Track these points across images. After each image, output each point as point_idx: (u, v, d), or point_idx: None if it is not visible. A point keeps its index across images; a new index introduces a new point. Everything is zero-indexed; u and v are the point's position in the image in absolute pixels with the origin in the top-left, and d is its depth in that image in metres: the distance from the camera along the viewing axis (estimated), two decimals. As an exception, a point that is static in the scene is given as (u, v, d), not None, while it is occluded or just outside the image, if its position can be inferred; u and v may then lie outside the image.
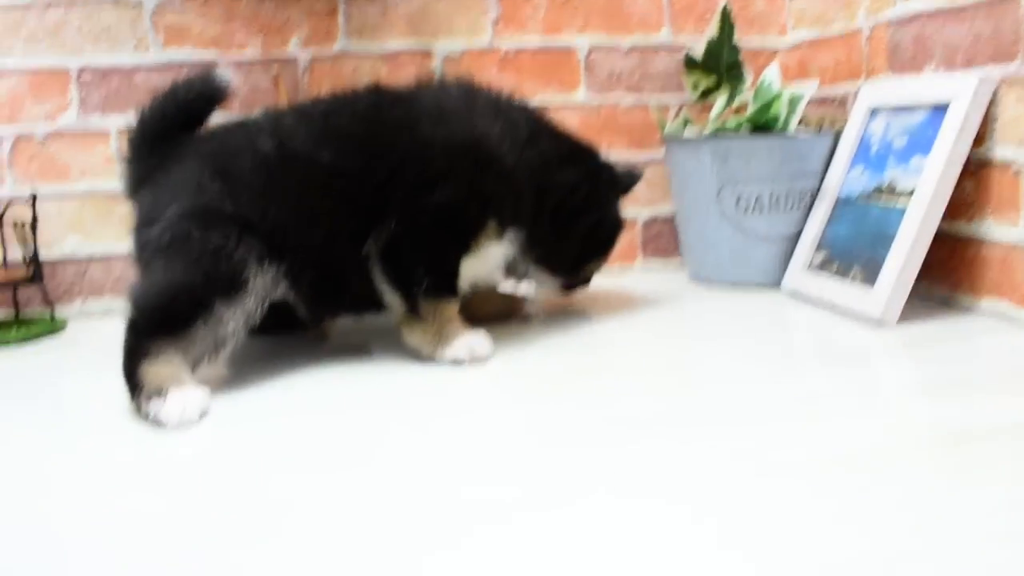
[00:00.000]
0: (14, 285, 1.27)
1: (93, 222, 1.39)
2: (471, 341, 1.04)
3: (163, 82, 1.34)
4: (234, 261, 0.95)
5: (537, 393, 0.93)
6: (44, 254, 1.36)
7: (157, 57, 1.38)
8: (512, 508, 0.64)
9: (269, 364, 1.06)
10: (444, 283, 1.05)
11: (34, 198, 1.30)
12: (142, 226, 1.00)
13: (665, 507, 0.64)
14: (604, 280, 1.53)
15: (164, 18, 1.38)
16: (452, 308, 1.05)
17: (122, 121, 1.37)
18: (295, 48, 1.42)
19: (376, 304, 1.06)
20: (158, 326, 0.91)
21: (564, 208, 1.17)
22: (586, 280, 1.28)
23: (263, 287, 0.97)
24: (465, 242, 1.06)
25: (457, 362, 1.03)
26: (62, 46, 1.35)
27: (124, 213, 1.37)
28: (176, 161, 1.03)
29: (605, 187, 1.23)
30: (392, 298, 1.04)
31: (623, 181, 1.26)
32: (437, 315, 1.03)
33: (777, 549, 0.57)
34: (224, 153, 1.03)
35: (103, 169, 1.38)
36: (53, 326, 1.28)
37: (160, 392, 0.86)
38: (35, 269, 1.28)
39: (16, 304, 1.32)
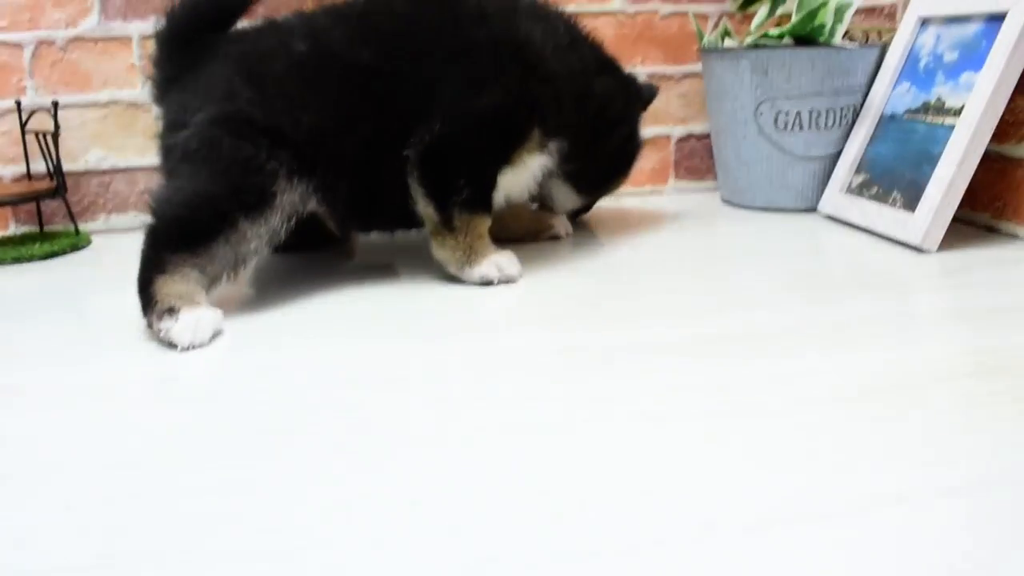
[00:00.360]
0: (37, 198, 1.26)
1: (116, 133, 1.36)
2: (500, 260, 1.01)
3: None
4: (263, 174, 0.92)
5: (564, 317, 0.90)
6: (67, 166, 1.34)
7: (178, -39, 1.33)
8: (535, 430, 0.63)
9: (291, 282, 1.05)
10: (481, 195, 1.00)
11: (55, 106, 1.27)
12: (169, 131, 0.97)
13: (690, 430, 0.62)
14: (635, 200, 1.49)
15: (184, -81, 1.33)
16: (485, 224, 1.01)
17: (144, 27, 1.34)
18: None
19: (410, 219, 1.02)
20: (178, 238, 0.88)
21: (603, 118, 1.13)
22: (592, 204, 1.27)
23: (291, 203, 0.94)
24: (508, 151, 1.01)
25: (485, 281, 1.00)
26: (81, -52, 1.31)
27: (148, 124, 1.36)
28: (206, 63, 0.98)
29: (633, 99, 1.20)
30: (426, 209, 0.99)
31: (645, 94, 1.23)
32: (470, 230, 1.00)
33: (805, 475, 0.55)
34: (256, 56, 0.99)
35: (126, 78, 1.35)
36: (77, 240, 1.27)
37: (172, 311, 0.84)
38: (59, 181, 1.27)
39: (40, 217, 1.31)
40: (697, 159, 1.55)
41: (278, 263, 1.13)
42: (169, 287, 0.86)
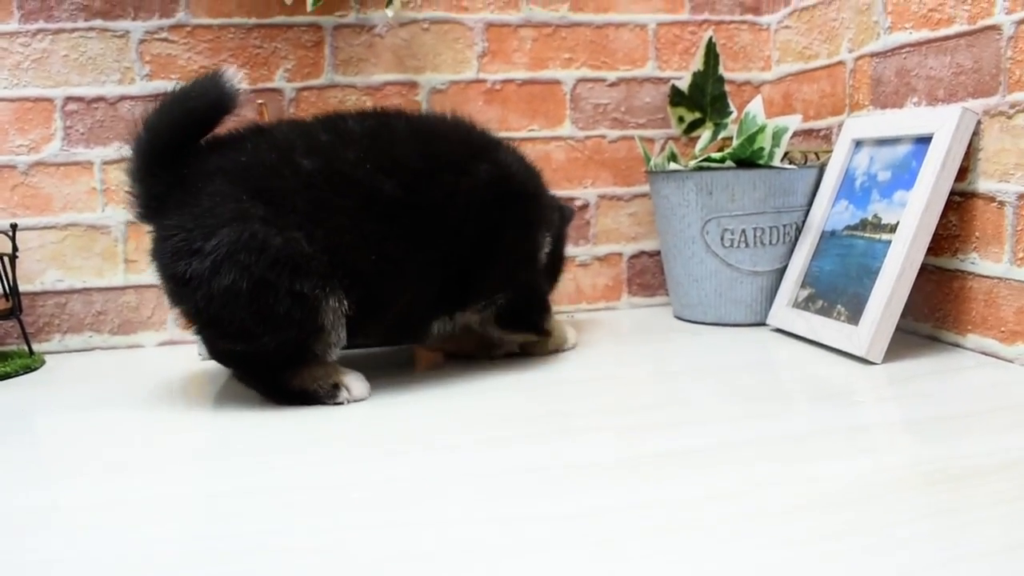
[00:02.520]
0: (-8, 317, 1.26)
1: (74, 255, 1.37)
2: (571, 329, 1.29)
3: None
4: (308, 309, 0.96)
5: (514, 433, 0.91)
6: (23, 287, 1.34)
7: (143, 88, 1.38)
8: (477, 551, 0.63)
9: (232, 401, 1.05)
10: (549, 303, 1.23)
11: (14, 228, 1.28)
12: (178, 256, 0.95)
13: (634, 550, 0.62)
14: (589, 316, 1.52)
15: (151, 48, 1.38)
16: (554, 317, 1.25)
17: (106, 153, 1.37)
18: (281, 80, 1.42)
19: (419, 333, 1.15)
20: (279, 365, 1.00)
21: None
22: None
23: (334, 310, 0.99)
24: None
25: (574, 346, 1.28)
26: (47, 76, 1.35)
27: (106, 246, 1.37)
28: (200, 180, 0.97)
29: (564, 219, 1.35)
30: (524, 336, 1.22)
31: (567, 214, 1.36)
32: (555, 325, 1.25)
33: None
34: (260, 171, 0.98)
35: (86, 202, 1.37)
36: (31, 362, 1.26)
37: (336, 386, 1.01)
38: (14, 302, 1.27)
39: (-6, 336, 1.31)
40: (649, 275, 1.59)
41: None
42: (308, 379, 1.00)
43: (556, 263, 1.28)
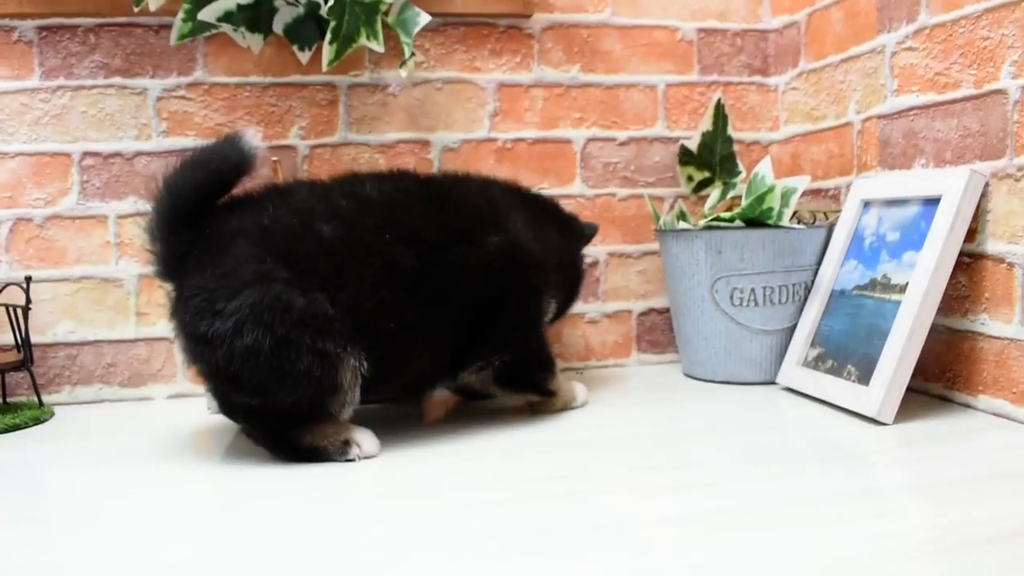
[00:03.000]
0: (3, 370, 1.26)
1: (86, 308, 1.38)
2: (580, 387, 1.28)
3: (164, 169, 1.38)
4: (328, 367, 0.97)
5: (522, 493, 0.90)
6: (35, 338, 1.35)
7: (159, 144, 1.40)
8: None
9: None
10: (553, 363, 1.22)
11: (28, 281, 1.30)
12: (199, 316, 0.96)
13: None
14: (598, 373, 1.52)
15: (168, 105, 1.40)
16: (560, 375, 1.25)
17: (121, 207, 1.39)
18: (295, 137, 1.44)
19: (423, 394, 1.23)
20: (291, 421, 1.00)
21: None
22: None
23: (352, 369, 1.00)
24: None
25: (584, 404, 1.27)
26: (66, 131, 1.37)
27: (118, 299, 1.38)
28: (222, 241, 0.99)
29: (577, 237, 1.37)
30: (526, 397, 1.24)
31: (587, 231, 1.39)
32: (561, 384, 1.24)
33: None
34: (281, 234, 1.00)
35: (100, 255, 1.39)
36: (40, 413, 1.26)
37: (347, 443, 1.01)
38: (26, 354, 1.28)
39: (3, 389, 1.31)
40: (658, 333, 1.59)
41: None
42: (319, 436, 1.01)
43: (575, 282, 1.32)
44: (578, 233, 1.33)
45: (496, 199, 1.19)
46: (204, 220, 1.01)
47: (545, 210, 1.28)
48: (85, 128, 1.38)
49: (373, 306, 1.01)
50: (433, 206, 1.10)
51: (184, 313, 0.99)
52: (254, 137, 1.03)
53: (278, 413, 0.98)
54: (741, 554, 0.71)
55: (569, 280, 1.30)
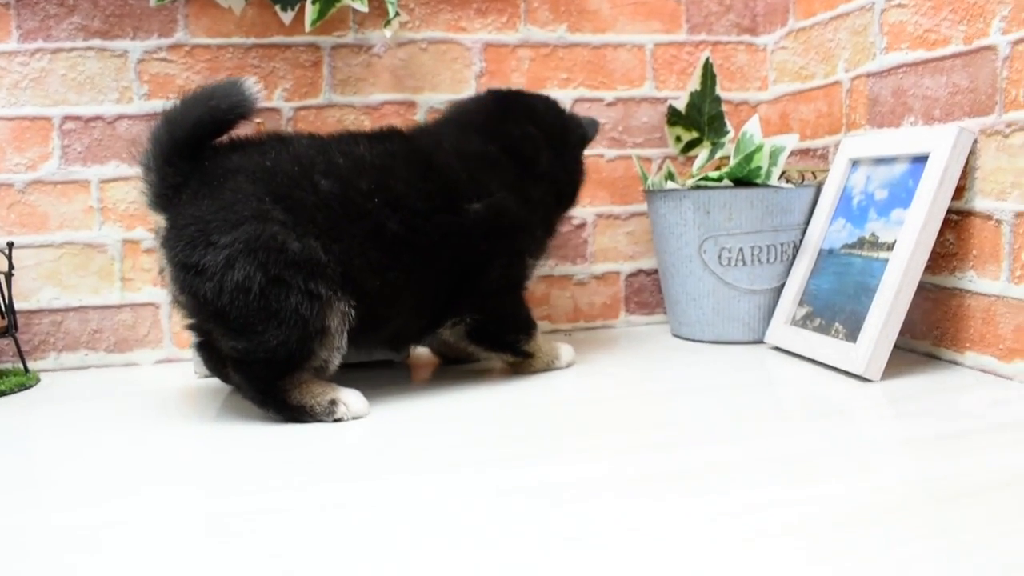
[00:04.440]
0: (-13, 335, 1.25)
1: (70, 273, 1.37)
2: (565, 348, 1.27)
3: (146, 131, 1.36)
4: (316, 311, 0.98)
5: (513, 449, 0.91)
6: (19, 305, 1.34)
7: (141, 107, 1.38)
8: (484, 571, 0.62)
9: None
10: (531, 325, 1.22)
11: (10, 247, 1.28)
12: (190, 245, 0.97)
13: (637, 568, 0.62)
14: (587, 335, 1.52)
15: (149, 67, 1.38)
16: (540, 337, 1.24)
17: (103, 171, 1.37)
18: (279, 99, 1.42)
19: (402, 349, 1.25)
20: (278, 370, 1.00)
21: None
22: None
23: (341, 314, 1.01)
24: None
25: (570, 364, 1.26)
26: (45, 95, 1.35)
27: (102, 264, 1.37)
28: (221, 175, 1.00)
29: (576, 141, 1.36)
30: (501, 357, 1.23)
31: (589, 132, 1.36)
32: (540, 346, 1.23)
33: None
34: (280, 178, 1.01)
35: (82, 220, 1.37)
36: (26, 379, 1.26)
37: (334, 402, 1.01)
38: (10, 320, 1.27)
39: (-11, 355, 1.30)
40: (647, 294, 1.59)
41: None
42: (306, 394, 1.00)
43: (575, 183, 1.32)
44: (578, 139, 1.31)
45: (479, 157, 1.17)
46: (201, 155, 1.02)
47: (535, 144, 1.24)
48: (65, 91, 1.36)
49: (361, 263, 1.02)
50: (416, 172, 1.10)
51: (177, 242, 0.98)
52: (255, 84, 1.04)
53: (265, 357, 0.98)
54: (728, 507, 0.72)
55: (568, 195, 1.32)
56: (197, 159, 1.02)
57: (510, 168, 1.19)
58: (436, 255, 1.09)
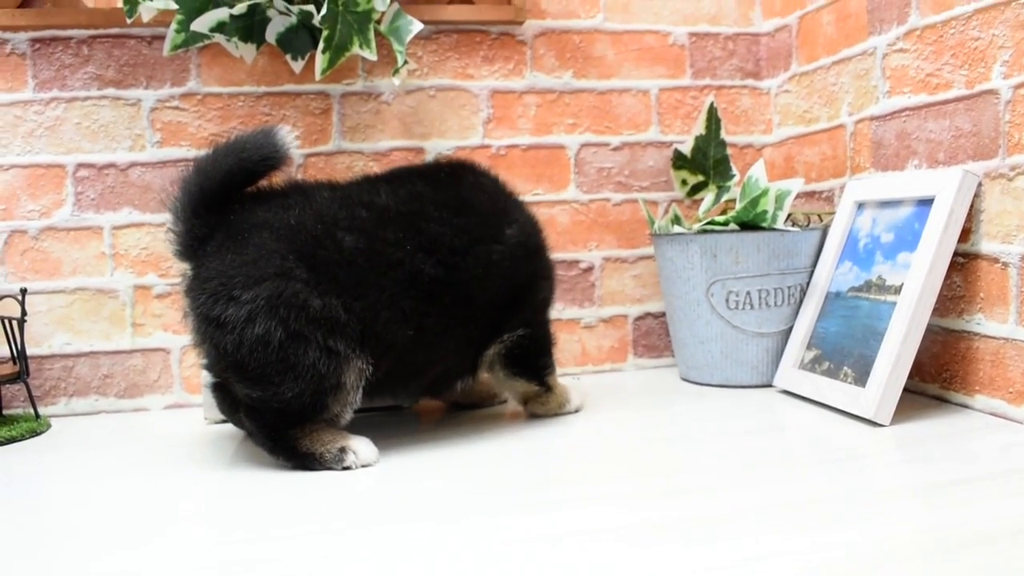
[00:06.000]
0: (-1, 382, 1.26)
1: (82, 319, 1.38)
2: (575, 392, 1.27)
3: (159, 179, 1.38)
4: (333, 367, 0.98)
5: (514, 502, 0.90)
6: (31, 350, 1.35)
7: (153, 154, 1.40)
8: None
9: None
10: (553, 356, 1.24)
11: (24, 292, 1.29)
12: (212, 298, 0.98)
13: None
14: (595, 378, 1.52)
15: (162, 116, 1.40)
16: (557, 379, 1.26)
17: (116, 218, 1.39)
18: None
19: (443, 393, 1.24)
20: (291, 421, 1.00)
21: None
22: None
23: (358, 372, 1.01)
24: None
25: (579, 408, 1.27)
26: (60, 143, 1.37)
27: (114, 310, 1.38)
28: (246, 230, 1.01)
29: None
30: (525, 386, 1.22)
31: None
32: (558, 382, 1.25)
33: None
34: (305, 236, 1.01)
35: (95, 266, 1.38)
36: (36, 425, 1.26)
37: (343, 449, 1.01)
38: (22, 366, 1.27)
39: (0, 401, 1.31)
40: (654, 337, 1.59)
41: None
42: (316, 442, 1.01)
43: None
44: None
45: (501, 191, 1.21)
46: (229, 207, 1.03)
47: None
48: (79, 139, 1.38)
49: (391, 315, 1.03)
50: (450, 209, 1.11)
51: (199, 294, 1.00)
52: (289, 133, 1.05)
53: (279, 408, 0.99)
54: (734, 556, 0.71)
55: None
56: (224, 211, 1.03)
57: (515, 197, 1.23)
58: (480, 288, 1.10)
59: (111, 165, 1.39)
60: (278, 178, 1.10)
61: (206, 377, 1.20)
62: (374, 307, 1.02)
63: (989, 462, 0.94)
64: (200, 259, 1.02)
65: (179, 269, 1.06)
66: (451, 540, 0.77)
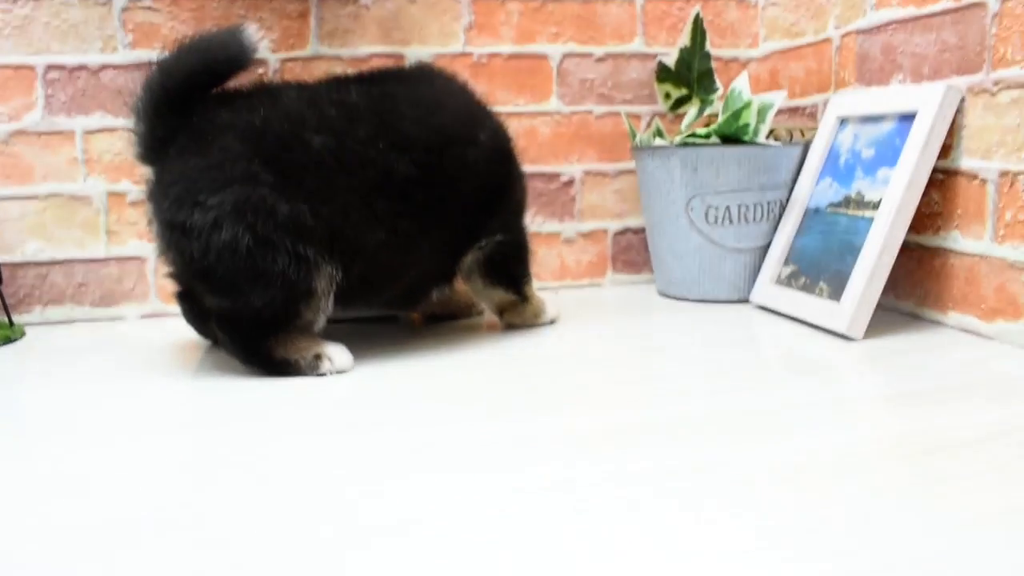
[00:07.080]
0: (-28, 287, 1.25)
1: (55, 226, 1.36)
2: (550, 303, 1.27)
3: (131, 82, 1.35)
4: (303, 275, 0.97)
5: (493, 407, 0.91)
6: (3, 258, 1.33)
7: (125, 56, 1.36)
8: (453, 523, 0.63)
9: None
10: (529, 266, 1.24)
11: (-6, 199, 1.27)
12: (179, 205, 0.96)
13: (616, 522, 0.62)
14: (573, 293, 1.52)
15: (134, 16, 1.36)
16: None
17: (88, 122, 1.36)
18: (266, 51, 1.41)
19: (418, 303, 1.23)
20: (266, 328, 1.00)
21: None
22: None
23: (328, 278, 1.00)
24: None
25: (554, 320, 1.27)
26: (28, 43, 1.33)
27: (87, 217, 1.36)
28: (210, 132, 0.98)
29: None
30: (503, 295, 1.21)
31: None
32: (534, 293, 1.24)
33: (740, 563, 0.56)
34: (269, 138, 0.98)
35: (67, 172, 1.36)
36: (11, 333, 1.25)
37: (318, 356, 1.00)
38: (-6, 271, 1.26)
39: (-26, 307, 1.30)
40: (634, 253, 1.59)
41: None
42: (290, 349, 1.00)
43: None
44: None
45: (464, 94, 1.19)
46: (193, 108, 1.00)
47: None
48: (48, 39, 1.34)
49: (363, 216, 1.01)
50: (422, 109, 1.09)
51: (163, 199, 0.98)
52: (256, 32, 1.01)
53: (250, 318, 0.98)
54: (707, 458, 0.73)
55: None
56: (187, 112, 0.99)
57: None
58: (454, 189, 1.09)
59: (82, 67, 1.35)
60: (246, 80, 1.07)
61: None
62: (344, 209, 1.00)
63: (958, 375, 0.95)
64: (162, 162, 1.00)
65: (142, 173, 1.04)
66: (423, 442, 0.78)
